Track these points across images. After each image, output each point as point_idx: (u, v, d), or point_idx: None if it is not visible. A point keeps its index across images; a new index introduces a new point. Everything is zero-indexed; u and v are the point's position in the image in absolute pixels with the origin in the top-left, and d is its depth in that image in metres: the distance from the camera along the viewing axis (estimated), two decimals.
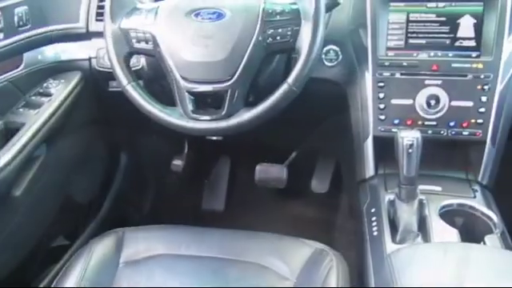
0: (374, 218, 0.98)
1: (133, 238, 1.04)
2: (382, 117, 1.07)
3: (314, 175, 1.73)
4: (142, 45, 0.95)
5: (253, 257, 0.99)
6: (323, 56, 1.10)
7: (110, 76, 1.03)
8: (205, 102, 0.98)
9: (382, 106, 1.06)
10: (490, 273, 0.64)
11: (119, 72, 0.96)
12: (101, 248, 1.02)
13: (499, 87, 1.03)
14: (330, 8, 0.95)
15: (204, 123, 0.94)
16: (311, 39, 0.88)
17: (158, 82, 1.04)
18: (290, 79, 0.90)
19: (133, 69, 1.02)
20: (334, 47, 1.09)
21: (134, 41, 0.95)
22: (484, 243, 0.90)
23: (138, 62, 1.17)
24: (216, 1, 0.95)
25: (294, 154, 1.65)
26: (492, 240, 0.90)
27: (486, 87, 1.03)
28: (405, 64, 1.05)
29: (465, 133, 1.05)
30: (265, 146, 1.64)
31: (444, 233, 0.91)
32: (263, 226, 1.54)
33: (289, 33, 0.90)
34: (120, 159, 1.56)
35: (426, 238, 0.91)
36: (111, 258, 1.01)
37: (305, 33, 0.89)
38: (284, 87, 0.90)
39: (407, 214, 0.92)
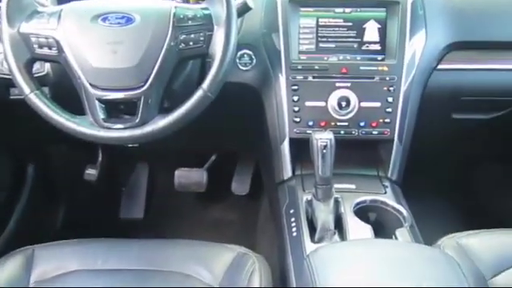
0: (292, 219, 1.00)
1: (44, 256, 0.98)
2: (297, 119, 1.09)
3: (234, 178, 1.73)
4: (45, 50, 0.89)
5: (175, 266, 0.97)
6: (237, 60, 1.10)
7: (11, 83, 0.96)
8: (118, 110, 0.94)
9: (296, 109, 1.09)
10: (401, 267, 0.68)
11: (20, 80, 0.89)
12: (8, 268, 0.94)
13: (403, 88, 1.09)
14: (241, 13, 0.95)
15: (117, 132, 0.90)
16: (224, 44, 0.88)
17: (65, 89, 0.98)
18: (205, 85, 0.89)
19: (36, 75, 0.96)
20: (248, 51, 1.10)
21: (35, 46, 0.89)
22: (395, 236, 0.95)
23: (43, 67, 1.09)
24: (124, 5, 0.91)
25: (213, 158, 1.64)
26: (402, 233, 0.95)
27: (391, 88, 1.08)
28: (316, 67, 1.09)
29: (374, 132, 1.10)
30: (184, 150, 1.62)
31: (358, 229, 0.95)
32: (185, 231, 1.53)
33: (202, 38, 0.89)
34: (27, 171, 1.45)
35: (343, 235, 0.95)
36: (20, 279, 0.94)
37: (218, 38, 0.89)
38: (199, 93, 0.89)
39: (324, 213, 0.95)
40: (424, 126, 1.15)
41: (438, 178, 1.49)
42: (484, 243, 0.97)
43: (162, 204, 1.76)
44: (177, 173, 1.59)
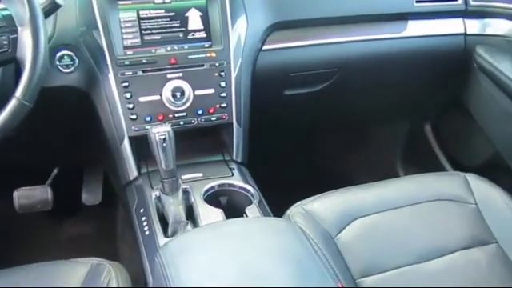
0: (143, 218, 0.98)
1: None
2: (133, 116, 1.06)
3: (83, 188, 1.63)
4: None
5: None
6: (57, 63, 1.03)
7: None
8: None
9: (130, 106, 1.06)
10: (245, 241, 0.70)
11: None
12: None
13: (233, 72, 1.12)
14: (50, 11, 0.89)
15: None
16: (33, 47, 0.81)
17: None
18: (18, 93, 0.81)
19: None
20: (68, 52, 1.03)
21: None
22: (245, 214, 0.98)
23: None
24: None
25: (55, 171, 1.53)
26: (252, 210, 0.99)
27: (222, 73, 1.11)
28: (144, 61, 1.06)
29: (213, 118, 1.12)
30: (21, 167, 1.47)
31: (210, 215, 0.96)
32: (38, 256, 1.39)
33: (5, 42, 0.81)
34: None
35: (195, 224, 0.95)
36: None
37: (25, 40, 0.81)
38: (13, 102, 0.81)
39: (174, 206, 0.94)
40: (260, 106, 1.20)
41: (283, 152, 1.58)
42: (327, 205, 1.05)
43: (3, 232, 1.59)
44: (16, 193, 1.44)
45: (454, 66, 1.36)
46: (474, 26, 1.34)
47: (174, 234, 0.93)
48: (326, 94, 1.31)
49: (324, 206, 1.05)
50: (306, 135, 1.60)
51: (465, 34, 1.33)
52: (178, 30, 1.09)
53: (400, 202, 1.06)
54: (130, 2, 1.06)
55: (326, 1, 1.23)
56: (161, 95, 1.07)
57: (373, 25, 1.28)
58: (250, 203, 1.02)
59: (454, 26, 1.33)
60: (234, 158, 1.16)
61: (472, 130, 1.41)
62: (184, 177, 1.04)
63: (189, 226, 0.95)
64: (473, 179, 1.13)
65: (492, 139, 1.34)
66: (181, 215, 0.94)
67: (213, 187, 1.04)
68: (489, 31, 1.32)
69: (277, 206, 1.05)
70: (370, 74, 1.32)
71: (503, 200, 1.08)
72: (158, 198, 0.98)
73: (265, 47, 1.19)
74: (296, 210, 1.03)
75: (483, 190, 1.11)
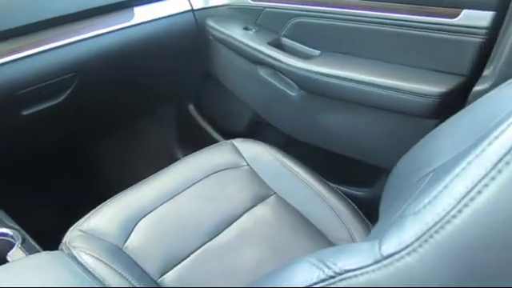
0: None
1: None
2: None
3: None
4: None
5: None
6: None
7: None
8: None
9: None
10: None
11: None
12: None
13: None
14: None
15: None
16: None
17: None
18: None
19: None
20: None
21: None
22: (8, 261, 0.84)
23: None
24: None
25: None
26: (14, 254, 0.86)
27: None
28: None
29: None
30: None
31: None
32: None
33: None
34: None
35: None
36: None
37: None
38: None
39: None
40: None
41: (55, 176, 1.40)
42: (105, 217, 0.97)
43: None
44: None
45: (194, 42, 1.39)
46: (198, 1, 1.37)
47: None
48: (74, 101, 1.19)
49: (102, 219, 0.97)
50: (73, 151, 1.45)
51: (192, 10, 1.35)
52: None
53: (180, 187, 1.04)
54: None
55: (31, 4, 1.09)
56: None
57: (99, 18, 1.20)
58: (13, 247, 0.87)
59: (180, 4, 1.34)
60: None
61: (229, 98, 1.47)
62: None
63: None
64: (239, 143, 1.18)
65: (246, 101, 1.42)
66: None
67: None
68: (212, 3, 1.38)
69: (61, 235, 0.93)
70: (113, 70, 1.25)
71: (269, 154, 1.15)
72: None
73: None
74: (73, 234, 0.93)
75: (250, 150, 1.16)
